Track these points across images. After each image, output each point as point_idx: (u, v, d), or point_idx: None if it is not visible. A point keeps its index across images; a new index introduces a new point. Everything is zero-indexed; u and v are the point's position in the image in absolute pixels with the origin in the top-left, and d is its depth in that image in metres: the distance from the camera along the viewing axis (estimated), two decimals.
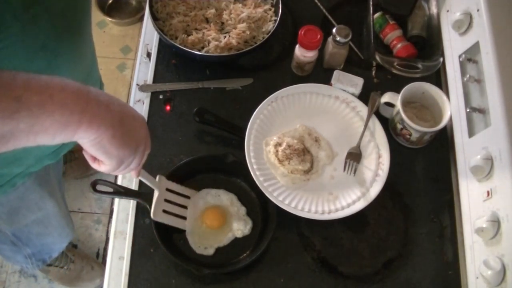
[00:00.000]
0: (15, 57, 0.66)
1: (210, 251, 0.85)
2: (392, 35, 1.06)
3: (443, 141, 0.98)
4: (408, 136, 0.94)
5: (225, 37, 1.02)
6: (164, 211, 0.84)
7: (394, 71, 1.03)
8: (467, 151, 0.87)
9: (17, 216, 1.04)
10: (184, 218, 0.87)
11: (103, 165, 0.63)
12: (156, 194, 0.83)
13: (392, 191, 0.93)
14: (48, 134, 0.52)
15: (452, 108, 0.93)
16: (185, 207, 0.88)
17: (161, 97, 1.01)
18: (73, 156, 1.70)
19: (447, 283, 0.87)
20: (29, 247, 1.23)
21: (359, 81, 0.97)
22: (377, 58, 1.03)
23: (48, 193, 1.06)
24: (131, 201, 0.89)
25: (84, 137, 0.55)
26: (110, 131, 0.56)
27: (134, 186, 0.91)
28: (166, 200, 0.85)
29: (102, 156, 0.59)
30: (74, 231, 1.38)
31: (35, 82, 0.50)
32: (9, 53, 0.64)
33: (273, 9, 1.08)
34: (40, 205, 1.07)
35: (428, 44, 1.05)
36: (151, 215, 0.81)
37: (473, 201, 0.83)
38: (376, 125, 0.94)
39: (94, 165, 0.65)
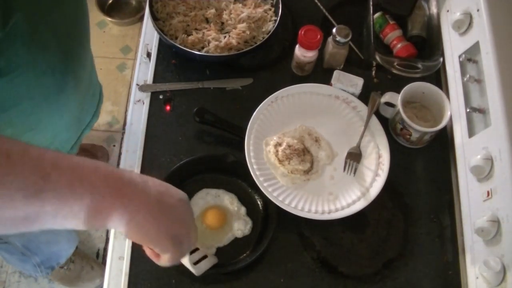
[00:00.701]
0: (26, 83, 0.66)
1: (211, 251, 0.85)
2: (392, 35, 1.06)
3: (443, 141, 0.98)
4: (408, 136, 0.94)
5: (225, 37, 1.02)
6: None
7: (394, 71, 1.03)
8: (467, 151, 0.87)
9: None
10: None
11: (161, 255, 0.59)
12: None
13: (392, 191, 0.93)
14: (78, 219, 0.48)
15: (452, 108, 0.93)
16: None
17: (161, 97, 1.01)
18: None
19: (447, 283, 0.86)
20: (38, 256, 1.23)
21: (359, 81, 0.97)
22: (377, 58, 1.03)
23: None
24: None
25: (119, 224, 0.50)
26: (147, 209, 0.51)
27: None
28: None
29: (149, 241, 0.54)
30: (78, 241, 1.38)
31: (65, 162, 0.47)
32: (22, 79, 0.64)
33: (273, 9, 1.08)
34: None
35: (428, 44, 1.05)
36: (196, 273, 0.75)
37: (473, 201, 0.83)
38: (376, 125, 0.94)
39: (157, 261, 0.61)
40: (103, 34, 2.15)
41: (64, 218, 0.47)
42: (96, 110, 0.95)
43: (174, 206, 0.55)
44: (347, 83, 0.97)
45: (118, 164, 1.00)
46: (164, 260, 0.59)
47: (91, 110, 0.91)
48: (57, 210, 0.46)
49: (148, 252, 0.61)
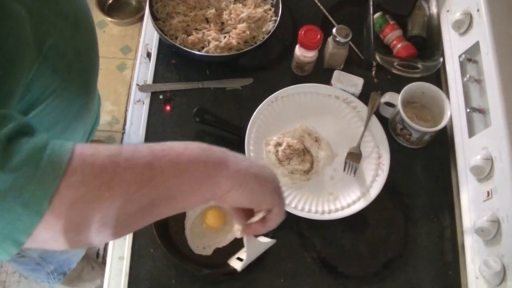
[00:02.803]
0: (59, 107, 0.68)
1: (208, 251, 0.85)
2: (392, 35, 1.06)
3: (443, 141, 0.98)
4: (408, 136, 0.94)
5: (225, 37, 1.02)
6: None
7: (394, 71, 1.03)
8: (467, 151, 0.87)
9: None
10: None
11: (269, 213, 0.61)
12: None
13: (392, 191, 0.93)
14: (193, 192, 0.51)
15: (452, 108, 0.93)
16: None
17: (161, 97, 1.01)
18: None
19: (447, 283, 0.86)
20: (52, 264, 1.23)
21: (359, 81, 0.97)
22: (377, 58, 1.03)
23: None
24: None
25: (233, 184, 0.54)
26: (253, 170, 0.56)
27: None
28: None
29: (256, 198, 0.57)
30: None
31: (156, 147, 0.50)
32: (55, 105, 0.66)
33: (273, 9, 1.08)
34: None
35: (428, 44, 1.05)
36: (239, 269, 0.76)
37: (473, 201, 0.83)
38: (376, 125, 0.94)
39: (263, 228, 0.63)
40: (103, 34, 2.15)
41: (178, 197, 0.51)
42: (98, 114, 0.96)
43: (264, 169, 0.59)
44: (347, 83, 0.97)
45: None
46: (273, 216, 0.61)
47: (95, 115, 0.93)
48: (169, 192, 0.49)
49: (252, 229, 0.63)
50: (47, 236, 0.44)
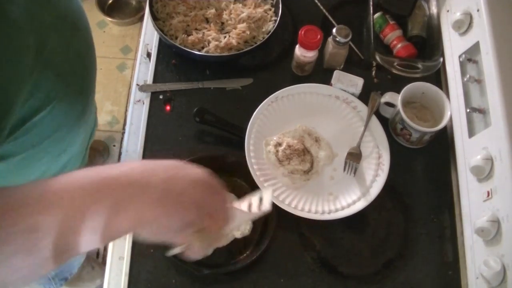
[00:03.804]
0: (63, 110, 0.68)
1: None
2: (392, 35, 1.06)
3: (443, 141, 0.98)
4: (408, 136, 0.94)
5: (225, 37, 1.02)
6: None
7: (394, 71, 1.03)
8: (467, 151, 0.87)
9: None
10: None
11: (189, 245, 0.54)
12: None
13: (392, 191, 0.93)
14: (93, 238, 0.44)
15: (452, 108, 0.93)
16: None
17: (161, 97, 1.01)
18: None
19: (447, 283, 0.86)
20: (53, 270, 1.23)
21: (359, 81, 0.97)
22: (377, 58, 1.03)
23: None
24: None
25: (131, 229, 0.46)
26: (152, 204, 0.46)
27: None
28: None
29: (164, 236, 0.49)
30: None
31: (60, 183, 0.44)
32: (58, 109, 0.66)
33: (273, 9, 1.08)
34: None
35: (428, 44, 1.05)
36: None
37: (473, 201, 0.83)
38: (376, 125, 0.94)
39: (191, 255, 0.56)
40: (103, 34, 2.15)
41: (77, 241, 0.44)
42: (96, 115, 0.97)
43: (184, 190, 0.49)
44: (347, 83, 0.97)
45: None
46: (195, 251, 0.55)
47: (94, 116, 0.93)
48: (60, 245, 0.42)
49: (189, 253, 0.56)
50: None
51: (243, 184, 0.92)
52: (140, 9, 2.17)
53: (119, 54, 2.12)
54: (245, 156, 0.87)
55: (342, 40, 0.97)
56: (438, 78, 1.04)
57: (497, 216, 0.75)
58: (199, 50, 1.00)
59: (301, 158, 0.89)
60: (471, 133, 0.86)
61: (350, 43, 1.02)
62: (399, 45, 1.04)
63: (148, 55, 1.06)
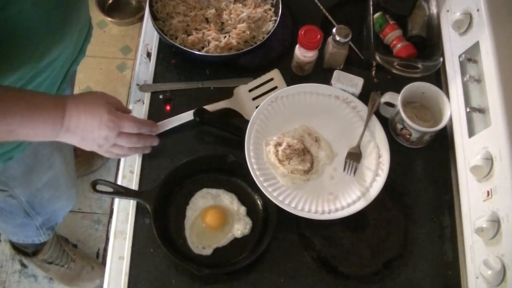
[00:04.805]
0: (30, 19, 0.67)
1: (208, 251, 0.85)
2: (392, 35, 1.06)
3: (443, 141, 0.98)
4: (408, 136, 0.94)
5: (225, 37, 1.02)
6: None
7: (394, 71, 1.03)
8: (467, 151, 0.87)
9: (31, 176, 1.04)
10: None
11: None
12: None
13: (392, 191, 0.93)
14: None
15: (452, 108, 0.93)
16: None
17: (161, 97, 1.01)
18: (75, 154, 1.70)
19: (447, 283, 0.87)
20: (41, 216, 1.22)
21: (359, 81, 0.97)
22: (377, 58, 1.03)
23: (56, 148, 1.07)
24: (131, 201, 0.89)
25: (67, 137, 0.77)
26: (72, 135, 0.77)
27: (134, 186, 0.91)
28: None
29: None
30: (76, 201, 1.37)
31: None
32: (25, 16, 0.65)
33: (273, 9, 1.08)
34: (51, 162, 1.07)
35: (428, 44, 1.05)
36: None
37: (473, 201, 0.83)
38: (376, 125, 0.94)
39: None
40: (103, 34, 2.15)
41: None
42: (83, 46, 0.96)
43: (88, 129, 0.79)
44: (347, 83, 0.97)
45: (118, 163, 1.00)
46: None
47: (79, 45, 0.93)
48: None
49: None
50: None
51: (243, 184, 0.92)
52: (140, 9, 2.17)
53: (119, 54, 2.12)
54: (245, 156, 0.87)
55: (342, 40, 0.97)
56: (438, 78, 1.04)
57: (497, 216, 0.75)
58: (199, 50, 1.00)
59: (301, 158, 0.89)
60: (471, 133, 0.86)
61: (350, 43, 1.02)
62: (399, 45, 1.04)
63: (148, 55, 1.06)
